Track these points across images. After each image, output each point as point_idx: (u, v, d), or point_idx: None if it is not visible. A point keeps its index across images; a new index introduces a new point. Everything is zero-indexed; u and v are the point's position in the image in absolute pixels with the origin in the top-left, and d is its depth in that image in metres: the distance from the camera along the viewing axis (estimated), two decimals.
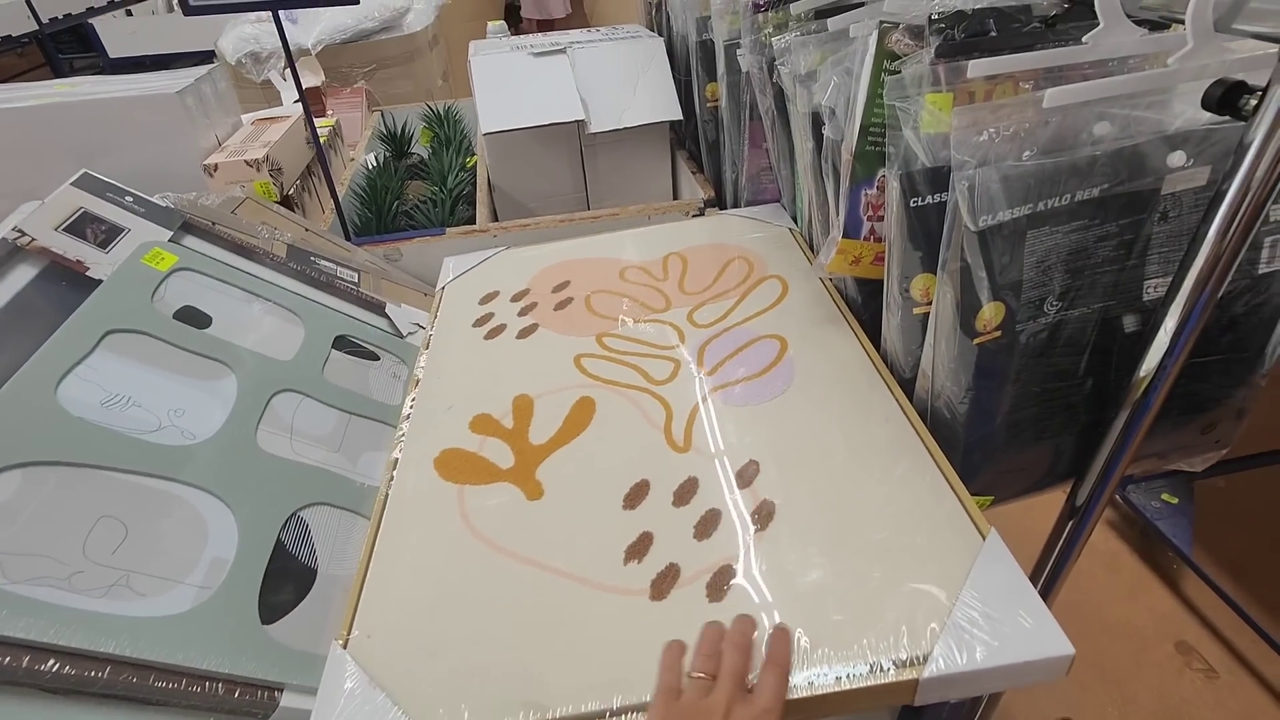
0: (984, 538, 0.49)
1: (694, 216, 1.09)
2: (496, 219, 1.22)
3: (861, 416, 0.61)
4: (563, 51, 1.15)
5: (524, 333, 0.78)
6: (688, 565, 0.50)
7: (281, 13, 0.88)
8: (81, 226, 0.68)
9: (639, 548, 0.52)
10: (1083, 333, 0.55)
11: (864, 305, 0.71)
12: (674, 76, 1.17)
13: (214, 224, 0.82)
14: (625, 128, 1.11)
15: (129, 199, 0.74)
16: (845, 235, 0.67)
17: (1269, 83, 0.42)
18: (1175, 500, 1.49)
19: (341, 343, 0.78)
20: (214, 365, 0.66)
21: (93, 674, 0.44)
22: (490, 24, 1.46)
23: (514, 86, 1.12)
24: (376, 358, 0.80)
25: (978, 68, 0.51)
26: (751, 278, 0.80)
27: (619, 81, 1.13)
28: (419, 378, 0.73)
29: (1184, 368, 0.52)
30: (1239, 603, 1.31)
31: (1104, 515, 1.67)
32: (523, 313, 0.81)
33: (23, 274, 0.62)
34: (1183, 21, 0.46)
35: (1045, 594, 0.70)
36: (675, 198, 1.30)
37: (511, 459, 0.62)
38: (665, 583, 0.49)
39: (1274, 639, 1.28)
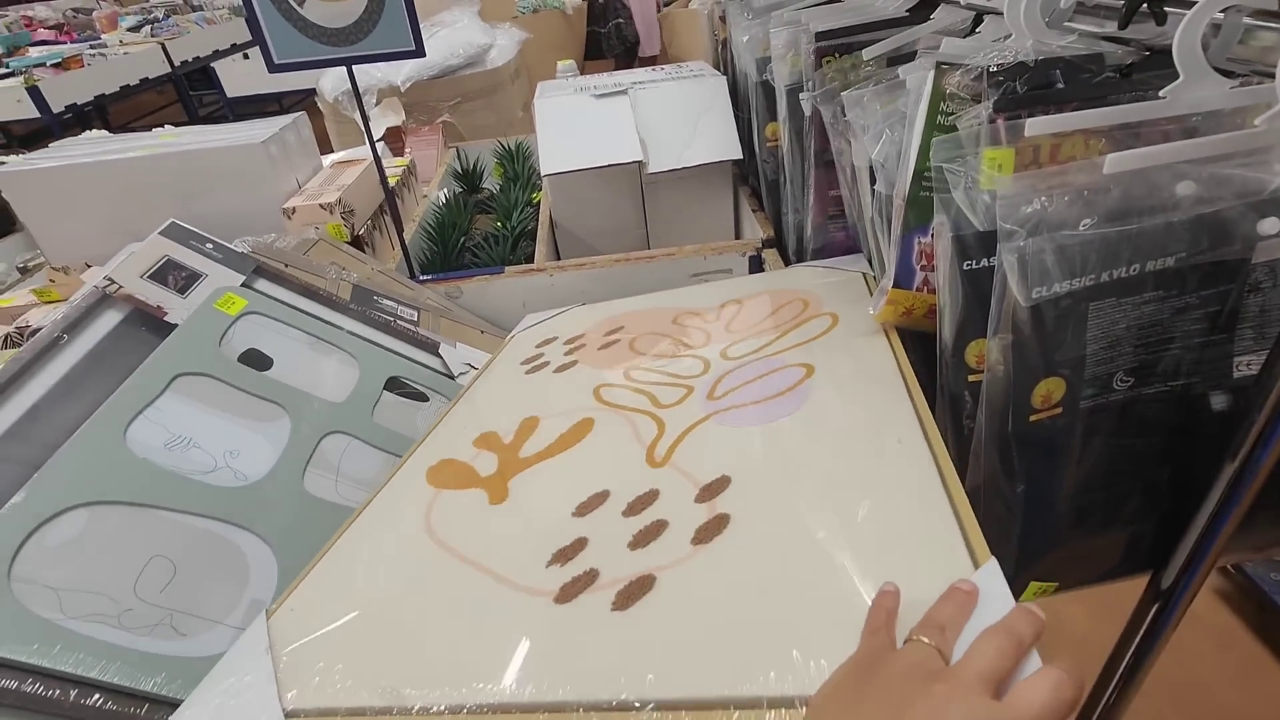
0: (976, 565, 0.39)
1: (750, 256, 1.07)
2: (558, 256, 1.24)
3: (869, 436, 0.52)
4: (624, 92, 1.16)
5: (562, 368, 0.78)
6: (609, 572, 0.47)
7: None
8: (164, 274, 0.74)
9: (568, 552, 0.49)
10: (1161, 412, 0.50)
11: (919, 365, 0.67)
12: (737, 115, 1.16)
13: (285, 266, 0.87)
14: (685, 167, 1.11)
15: (209, 245, 0.79)
16: (896, 285, 0.63)
17: None
18: None
19: (393, 384, 0.80)
20: (270, 406, 0.69)
21: (132, 710, 0.47)
22: (560, 63, 1.50)
23: (575, 128, 1.14)
24: (426, 399, 0.82)
25: (1036, 125, 0.48)
26: (802, 315, 0.75)
27: (680, 121, 1.13)
28: (453, 407, 0.75)
29: None
30: None
31: (1214, 585, 1.51)
32: (569, 352, 0.81)
33: (109, 319, 0.68)
34: (1274, 75, 0.41)
35: (1129, 679, 0.63)
36: (737, 235, 1.28)
37: (494, 467, 0.62)
38: (575, 587, 0.46)
39: None
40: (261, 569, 0.58)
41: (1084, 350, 0.47)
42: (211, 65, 3.08)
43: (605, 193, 1.20)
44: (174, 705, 0.48)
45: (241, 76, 3.15)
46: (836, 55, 0.83)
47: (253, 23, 0.87)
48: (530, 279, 1.06)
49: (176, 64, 3.70)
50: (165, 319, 0.70)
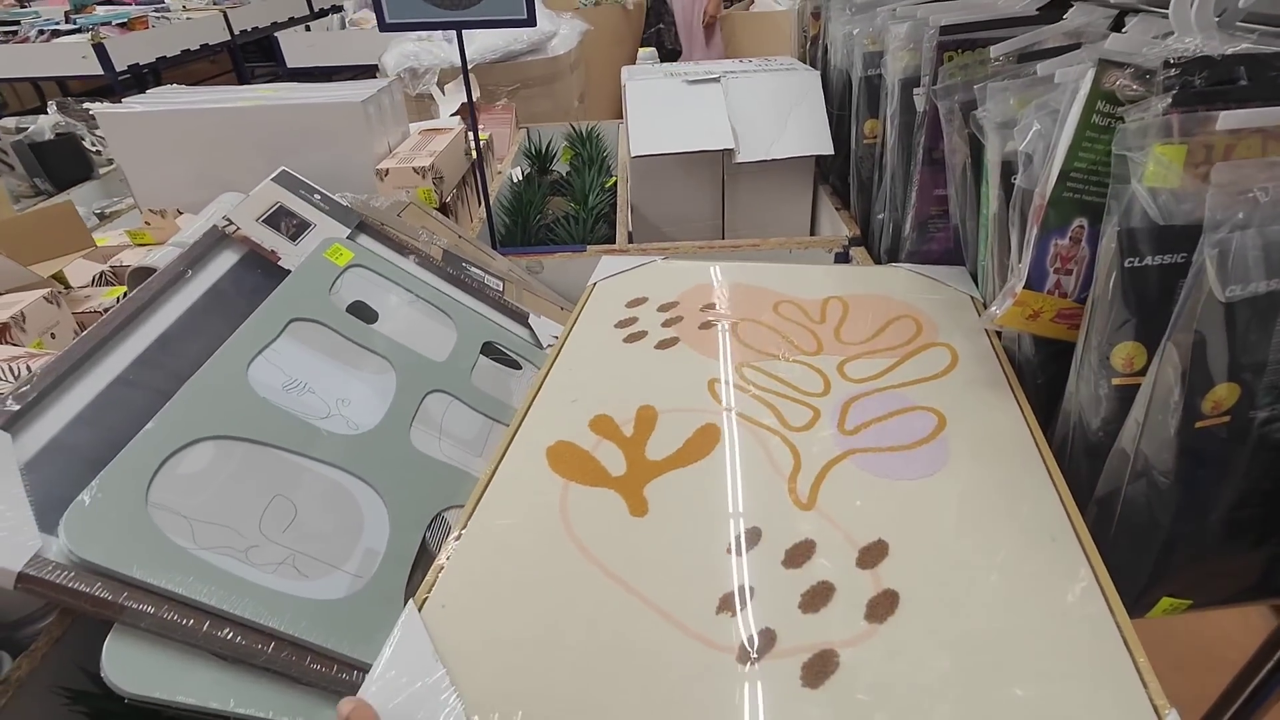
0: (1158, 715, 0.38)
1: (838, 253, 1.06)
2: (634, 240, 1.23)
3: (1022, 529, 0.51)
4: (716, 80, 1.15)
5: (664, 344, 0.76)
6: (786, 636, 0.45)
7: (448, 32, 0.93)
8: (277, 219, 0.74)
9: (736, 601, 0.47)
10: None
11: (1041, 367, 0.65)
12: (827, 110, 1.15)
13: (383, 225, 0.87)
14: (773, 159, 1.10)
15: (317, 197, 0.79)
16: (1027, 286, 0.61)
17: None
18: None
19: (488, 349, 0.80)
20: (377, 360, 0.68)
21: (259, 647, 0.46)
22: (641, 50, 1.49)
23: (666, 112, 1.13)
24: (519, 367, 0.81)
25: (1233, 119, 0.46)
26: (917, 340, 0.73)
27: (771, 112, 1.12)
28: (551, 366, 0.73)
29: None
30: None
31: None
32: (667, 324, 0.79)
33: (227, 259, 0.68)
34: None
35: (1246, 715, 0.61)
36: (813, 233, 1.27)
37: (623, 467, 0.60)
38: (760, 646, 0.44)
39: None
40: (375, 519, 0.57)
41: (1268, 356, 0.45)
42: (274, 35, 3.12)
43: (687, 179, 1.19)
44: (296, 645, 0.47)
45: (302, 49, 3.18)
46: (959, 51, 0.82)
47: None
48: (612, 258, 1.06)
49: (236, 32, 3.75)
50: (279, 264, 0.70)
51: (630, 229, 1.23)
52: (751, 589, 0.48)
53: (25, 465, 0.47)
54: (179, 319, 0.60)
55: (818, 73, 1.18)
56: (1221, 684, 0.61)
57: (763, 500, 0.55)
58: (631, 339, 0.77)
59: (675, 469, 0.59)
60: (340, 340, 0.68)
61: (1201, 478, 0.49)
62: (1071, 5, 0.76)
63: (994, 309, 0.65)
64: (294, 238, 0.73)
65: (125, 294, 0.86)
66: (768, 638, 0.45)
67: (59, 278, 0.85)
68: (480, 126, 1.56)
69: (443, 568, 0.51)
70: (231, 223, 0.69)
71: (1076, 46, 0.69)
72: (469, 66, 2.35)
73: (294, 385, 0.61)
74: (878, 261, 1.01)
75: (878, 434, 0.61)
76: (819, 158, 1.16)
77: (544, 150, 1.52)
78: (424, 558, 0.58)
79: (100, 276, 0.89)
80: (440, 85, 2.35)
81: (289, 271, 0.69)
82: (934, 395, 0.65)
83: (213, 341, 0.59)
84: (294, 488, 0.55)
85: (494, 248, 1.07)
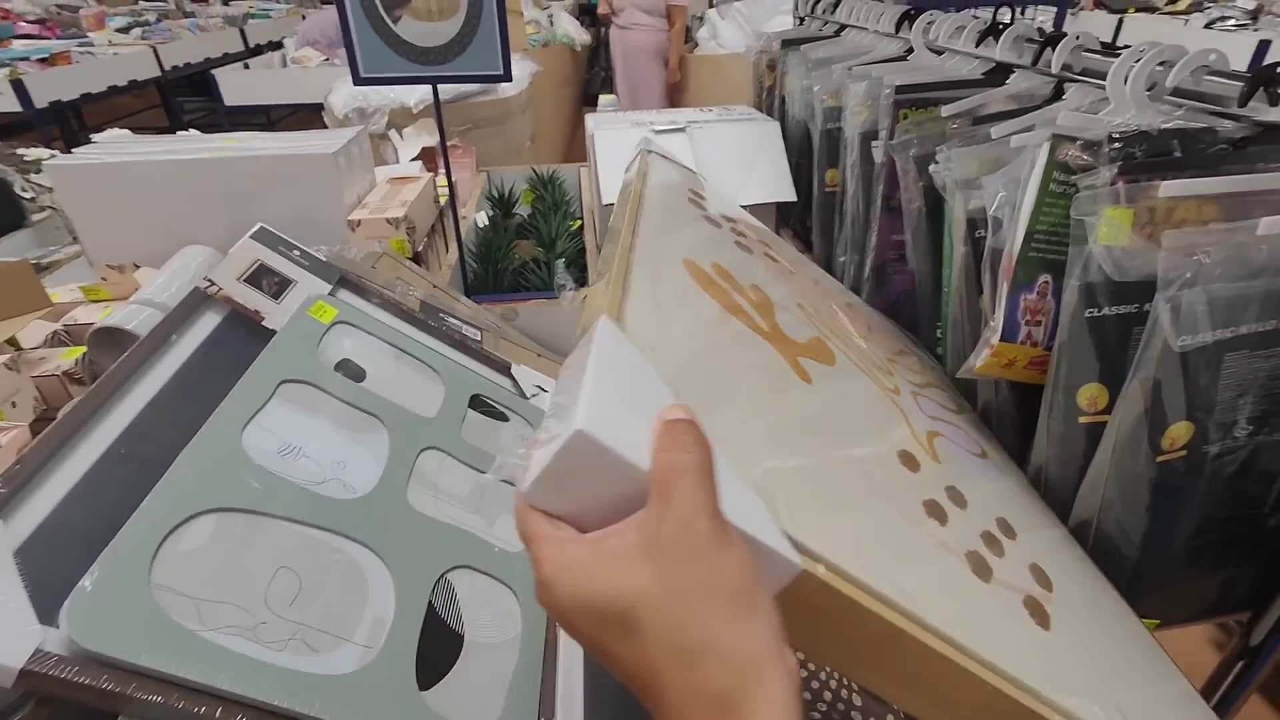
0: None
1: None
2: None
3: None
4: (683, 130, 1.19)
5: (740, 246, 0.64)
6: (995, 569, 0.43)
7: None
8: (259, 278, 0.72)
9: (937, 509, 0.45)
10: (1274, 460, 0.53)
11: (1016, 409, 0.70)
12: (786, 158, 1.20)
13: (361, 278, 0.86)
14: (741, 205, 1.14)
15: (296, 253, 0.78)
16: (1002, 338, 0.66)
17: None
18: None
19: (476, 402, 0.80)
20: (369, 419, 0.68)
21: None
22: (602, 98, 1.53)
23: None
24: (507, 419, 0.81)
25: (1172, 188, 0.52)
26: (926, 378, 0.74)
27: (736, 161, 1.17)
28: (638, 219, 0.53)
29: None
30: None
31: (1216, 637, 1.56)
32: (735, 231, 0.67)
33: (210, 320, 0.66)
34: None
35: None
36: None
37: (766, 325, 0.50)
38: (984, 563, 0.42)
39: None
40: (380, 586, 0.56)
41: (1215, 398, 0.50)
42: (211, 72, 3.04)
43: None
44: None
45: (241, 87, 3.11)
46: (913, 109, 0.88)
47: (345, 35, 0.87)
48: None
49: (167, 68, 3.64)
50: (262, 323, 0.69)
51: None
52: (942, 507, 0.46)
53: (18, 551, 0.44)
54: (166, 386, 0.59)
55: (776, 123, 1.24)
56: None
57: (902, 438, 0.51)
58: (710, 222, 0.65)
59: (813, 359, 0.51)
60: (331, 401, 0.66)
61: (1164, 508, 0.54)
62: (1014, 71, 0.83)
63: (972, 360, 0.70)
64: (276, 296, 0.72)
65: (85, 356, 0.82)
66: (978, 560, 0.43)
67: (12, 342, 0.80)
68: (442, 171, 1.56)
69: (624, 295, 0.39)
70: (213, 283, 0.68)
71: (1021, 111, 0.76)
72: (418, 108, 2.32)
73: (289, 450, 0.60)
74: None
75: (944, 427, 0.61)
76: (779, 204, 1.21)
77: (506, 194, 1.53)
78: (435, 623, 0.57)
79: (54, 336, 0.84)
80: (393, 127, 2.34)
81: (274, 331, 0.68)
82: (959, 423, 0.67)
83: (203, 408, 0.58)
84: (297, 558, 0.53)
85: (466, 295, 1.08)
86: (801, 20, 1.52)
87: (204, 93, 3.71)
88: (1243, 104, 0.55)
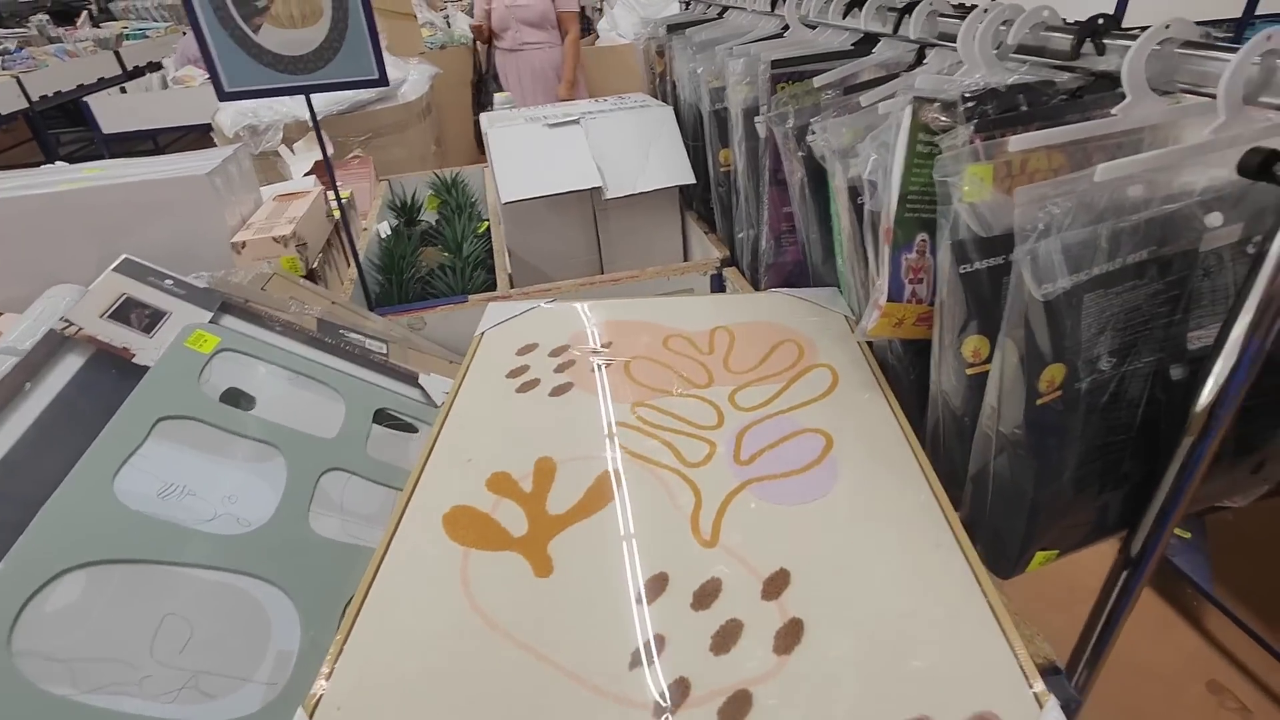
0: (1041, 707, 0.44)
1: (712, 275, 1.11)
2: (513, 284, 1.23)
3: (909, 539, 0.56)
4: (577, 122, 1.19)
5: (558, 390, 0.76)
6: (700, 682, 0.46)
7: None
8: (126, 312, 0.68)
9: (647, 653, 0.48)
10: (1138, 387, 0.57)
11: (911, 365, 0.72)
12: (683, 142, 1.21)
13: (247, 301, 0.82)
14: (640, 192, 1.14)
15: (169, 282, 0.74)
16: (889, 299, 0.68)
17: None
18: (1188, 535, 1.50)
19: (381, 416, 0.77)
20: (262, 447, 0.65)
21: None
22: (497, 96, 1.51)
23: (531, 157, 1.15)
24: (415, 430, 0.79)
25: (1019, 142, 0.54)
26: (800, 364, 0.78)
27: (632, 148, 1.17)
28: (443, 423, 0.70)
29: (1235, 412, 0.54)
30: (1264, 637, 1.31)
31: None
32: (559, 369, 0.79)
33: (71, 364, 0.62)
34: (1198, 93, 0.49)
35: (1101, 647, 0.70)
36: (686, 258, 1.33)
37: (525, 526, 0.58)
38: (674, 699, 0.45)
39: None
40: (283, 618, 0.54)
41: (1080, 337, 0.53)
42: (84, 100, 2.84)
43: (560, 219, 1.21)
44: None
45: (121, 112, 2.92)
46: (790, 82, 0.90)
47: (202, 48, 0.83)
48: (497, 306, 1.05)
49: (35, 98, 3.38)
50: (133, 360, 0.65)
51: (510, 273, 1.23)
52: (662, 638, 0.49)
53: None
54: (22, 439, 0.54)
55: (670, 107, 1.24)
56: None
57: (667, 543, 0.56)
58: (524, 388, 0.77)
59: (578, 521, 0.59)
60: (217, 433, 0.63)
61: (1049, 446, 0.56)
62: (879, 40, 0.86)
63: (864, 323, 0.72)
64: (148, 330, 0.68)
65: None
66: (681, 688, 0.46)
67: None
68: (339, 184, 1.50)
69: (333, 666, 0.46)
70: (71, 323, 0.63)
71: (890, 78, 0.78)
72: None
73: (170, 491, 0.56)
74: (748, 277, 1.07)
75: (771, 460, 0.64)
76: (683, 186, 1.22)
77: (409, 201, 1.49)
78: None
79: None
80: (286, 142, 2.24)
81: (147, 368, 0.64)
82: (820, 416, 0.69)
83: (68, 459, 0.54)
84: (186, 603, 0.51)
85: (370, 309, 1.04)
86: (688, 4, 1.53)
87: (80, 122, 3.47)
88: (1073, 56, 0.58)
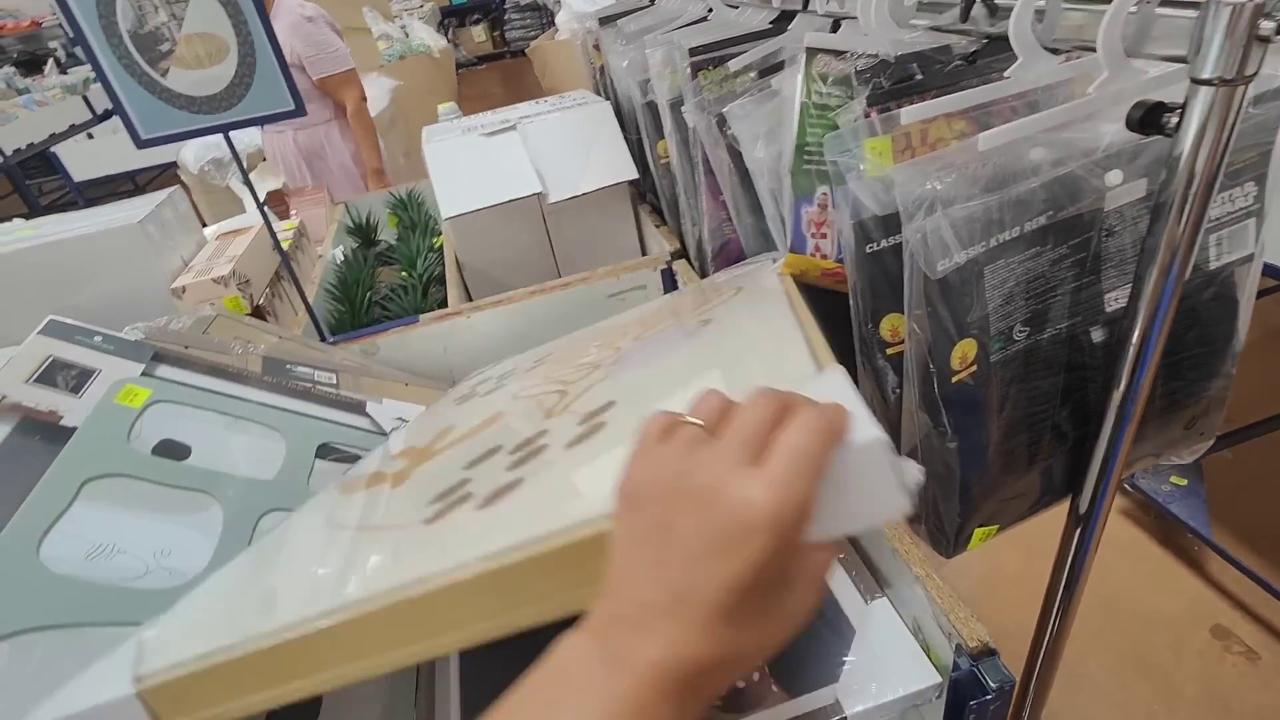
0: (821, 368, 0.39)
1: (663, 269, 1.10)
2: (470, 297, 1.23)
3: (748, 333, 0.51)
4: (513, 128, 1.17)
5: (489, 392, 0.74)
6: (481, 489, 0.45)
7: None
8: (52, 375, 0.68)
9: (449, 493, 0.47)
10: (1056, 353, 0.56)
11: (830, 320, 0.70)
12: (625, 136, 1.20)
13: (186, 348, 0.82)
14: (584, 193, 1.13)
15: (98, 339, 0.74)
16: (791, 250, 0.67)
17: (1185, 100, 0.43)
18: (1185, 481, 1.48)
19: (325, 450, 0.77)
20: (196, 497, 0.65)
21: None
22: (441, 107, 1.50)
23: (469, 168, 1.14)
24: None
25: (911, 114, 0.53)
26: (705, 300, 0.69)
27: (572, 149, 1.16)
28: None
29: (1159, 369, 0.53)
30: (1266, 578, 1.30)
31: (1117, 505, 1.66)
32: (499, 380, 0.76)
33: None
34: (1093, 49, 0.47)
35: (1068, 598, 0.69)
36: (644, 252, 1.31)
37: (403, 465, 0.61)
38: (447, 506, 0.45)
39: None
40: None
41: (986, 310, 0.52)
42: (51, 150, 2.85)
43: (509, 228, 1.20)
44: None
45: (89, 158, 2.93)
46: (711, 68, 0.88)
47: (113, 99, 0.82)
48: (448, 324, 1.05)
49: (9, 153, 3.40)
50: (61, 423, 0.65)
51: (464, 288, 1.22)
52: (467, 480, 0.48)
53: None
54: None
55: (608, 103, 1.23)
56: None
57: (515, 429, 0.54)
58: (462, 400, 0.75)
59: (451, 448, 0.58)
60: (148, 488, 0.63)
61: (971, 423, 0.55)
62: (795, 17, 0.84)
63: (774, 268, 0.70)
64: (76, 390, 0.68)
65: None
66: (461, 497, 0.46)
67: None
68: (292, 212, 1.50)
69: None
70: None
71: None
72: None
73: (99, 551, 0.57)
74: (697, 269, 1.06)
75: (639, 350, 0.59)
76: (634, 182, 1.20)
77: (365, 222, 1.48)
78: None
79: None
80: (252, 172, 2.24)
81: (74, 429, 0.64)
82: (707, 315, 0.61)
83: None
84: None
85: (322, 339, 1.04)
86: None
87: (57, 171, 3.49)
88: (964, 19, 0.56)
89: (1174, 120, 0.44)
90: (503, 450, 0.51)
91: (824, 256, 0.66)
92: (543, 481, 0.43)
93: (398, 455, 0.65)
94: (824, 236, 0.66)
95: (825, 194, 0.64)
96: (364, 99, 2.09)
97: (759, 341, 0.48)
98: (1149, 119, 0.45)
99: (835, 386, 0.36)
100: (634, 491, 0.31)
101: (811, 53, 0.63)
